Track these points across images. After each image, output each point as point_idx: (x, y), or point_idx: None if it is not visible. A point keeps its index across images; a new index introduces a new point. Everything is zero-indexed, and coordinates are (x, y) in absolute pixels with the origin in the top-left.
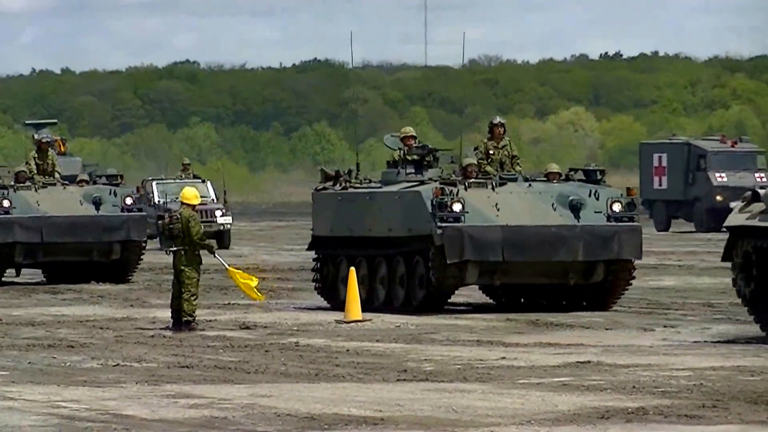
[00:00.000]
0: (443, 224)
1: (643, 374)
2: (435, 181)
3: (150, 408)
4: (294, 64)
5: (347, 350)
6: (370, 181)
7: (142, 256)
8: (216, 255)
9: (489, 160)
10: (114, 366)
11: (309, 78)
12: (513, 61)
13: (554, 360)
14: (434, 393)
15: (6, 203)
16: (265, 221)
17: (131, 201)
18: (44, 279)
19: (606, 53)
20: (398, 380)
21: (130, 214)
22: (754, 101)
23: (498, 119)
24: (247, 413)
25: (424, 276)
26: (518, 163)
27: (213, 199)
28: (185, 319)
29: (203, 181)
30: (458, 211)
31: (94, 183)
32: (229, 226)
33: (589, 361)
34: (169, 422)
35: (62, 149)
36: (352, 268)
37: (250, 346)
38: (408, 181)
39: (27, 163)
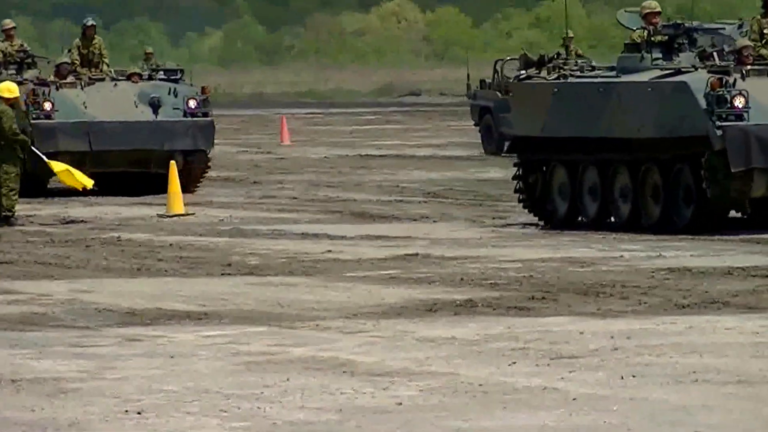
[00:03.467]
0: (723, 123)
1: (471, 266)
2: (695, 69)
3: None
4: None
5: (170, 244)
6: (593, 68)
7: (207, 169)
8: (34, 149)
9: (764, 42)
10: None
11: None
12: None
13: (381, 253)
14: (259, 287)
15: (48, 105)
16: None
17: (195, 104)
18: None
19: None
20: (222, 274)
21: (195, 119)
22: None
23: None
24: (67, 308)
25: (693, 188)
26: None
27: None
28: (4, 214)
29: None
30: (741, 107)
31: (149, 78)
32: None
33: (416, 254)
34: None
35: None
36: (173, 162)
37: (70, 241)
38: (660, 69)
39: (70, 51)
